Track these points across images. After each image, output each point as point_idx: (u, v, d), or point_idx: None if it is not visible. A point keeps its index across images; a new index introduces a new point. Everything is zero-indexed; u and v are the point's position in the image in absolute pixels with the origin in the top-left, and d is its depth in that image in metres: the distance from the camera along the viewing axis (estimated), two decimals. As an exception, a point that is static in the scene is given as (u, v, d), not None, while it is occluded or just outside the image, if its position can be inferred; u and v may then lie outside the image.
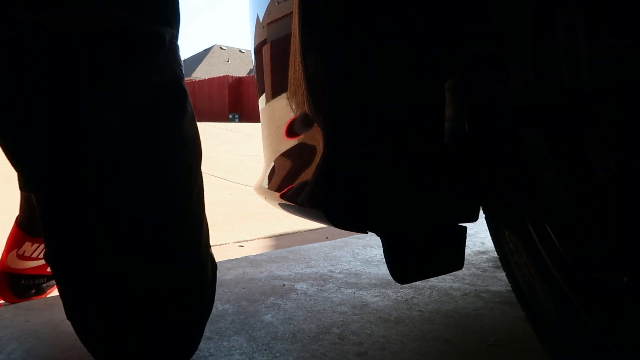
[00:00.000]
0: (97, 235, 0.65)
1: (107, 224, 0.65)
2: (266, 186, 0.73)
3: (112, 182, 0.65)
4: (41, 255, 1.02)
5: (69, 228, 0.66)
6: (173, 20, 0.66)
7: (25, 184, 0.69)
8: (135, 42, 0.60)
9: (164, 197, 0.68)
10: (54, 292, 1.08)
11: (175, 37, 0.66)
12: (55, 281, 0.70)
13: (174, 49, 0.66)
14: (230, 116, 20.37)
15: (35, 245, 1.03)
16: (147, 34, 0.61)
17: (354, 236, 1.59)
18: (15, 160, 0.66)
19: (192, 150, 0.71)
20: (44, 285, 1.07)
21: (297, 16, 0.56)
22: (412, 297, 1.00)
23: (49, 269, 0.76)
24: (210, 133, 7.48)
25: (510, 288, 0.56)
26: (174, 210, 0.69)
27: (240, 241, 1.75)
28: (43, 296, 1.07)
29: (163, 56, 0.63)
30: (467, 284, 1.09)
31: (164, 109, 0.64)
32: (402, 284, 1.09)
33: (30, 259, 1.03)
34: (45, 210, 0.67)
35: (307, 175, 0.60)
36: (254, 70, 0.81)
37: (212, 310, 0.93)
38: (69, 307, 0.71)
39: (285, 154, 0.68)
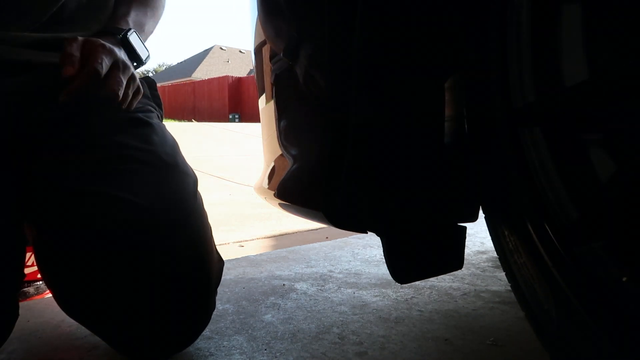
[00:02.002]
0: (107, 230, 0.66)
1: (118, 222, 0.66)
2: (266, 186, 0.73)
3: (123, 179, 0.68)
4: (32, 262, 1.02)
5: (79, 226, 0.66)
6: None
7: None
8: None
9: (172, 195, 0.70)
10: (54, 292, 1.08)
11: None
12: (52, 283, 0.70)
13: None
14: (230, 116, 20.35)
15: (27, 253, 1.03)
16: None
17: (354, 236, 1.59)
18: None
19: (186, 163, 0.79)
20: (43, 285, 1.07)
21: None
22: (412, 297, 1.00)
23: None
24: (210, 133, 7.48)
25: (510, 288, 0.56)
26: (182, 207, 0.70)
27: (240, 241, 1.75)
28: (43, 295, 1.07)
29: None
30: (467, 283, 1.09)
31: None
32: (402, 284, 1.09)
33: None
34: (55, 210, 0.68)
35: (307, 175, 0.60)
36: (254, 70, 0.81)
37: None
38: (72, 304, 0.71)
39: (285, 154, 0.68)
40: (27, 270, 1.04)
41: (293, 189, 0.63)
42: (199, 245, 0.71)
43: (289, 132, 0.66)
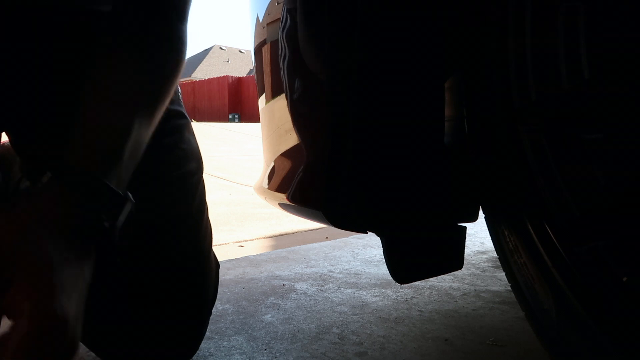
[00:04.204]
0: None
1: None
2: (266, 186, 0.73)
3: None
4: None
5: None
6: None
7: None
8: None
9: (165, 198, 0.69)
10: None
11: None
12: None
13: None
14: (230, 116, 20.35)
15: None
16: None
17: (354, 236, 1.59)
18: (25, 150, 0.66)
19: (193, 158, 0.73)
20: None
21: (298, 16, 0.56)
22: (412, 297, 1.00)
23: None
24: (209, 133, 7.48)
25: (510, 288, 0.56)
26: (176, 210, 0.69)
27: (240, 241, 1.75)
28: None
29: None
30: (467, 284, 1.09)
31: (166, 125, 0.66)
32: (402, 284, 1.09)
33: None
34: None
35: (307, 175, 0.60)
36: (254, 70, 0.81)
37: (212, 310, 0.93)
38: None
39: (285, 154, 0.68)
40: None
41: (293, 188, 0.63)
42: (188, 250, 0.70)
43: (289, 132, 0.66)
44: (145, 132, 0.51)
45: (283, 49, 0.64)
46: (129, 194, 0.46)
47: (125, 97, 0.51)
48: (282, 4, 0.64)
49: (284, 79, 0.64)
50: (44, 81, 0.63)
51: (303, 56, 0.56)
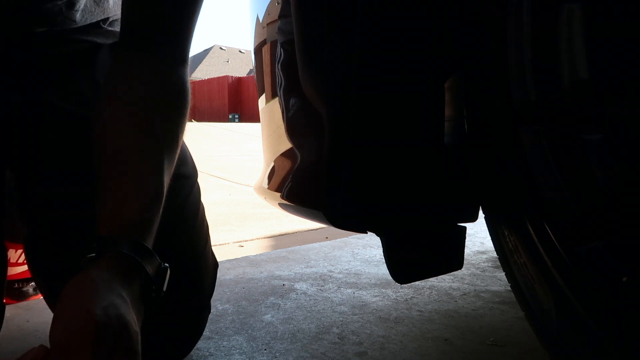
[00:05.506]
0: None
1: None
2: (266, 186, 0.73)
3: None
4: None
5: (65, 228, 0.66)
6: None
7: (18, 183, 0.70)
8: None
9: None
10: (54, 292, 1.08)
11: None
12: (42, 285, 0.70)
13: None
14: (230, 116, 20.34)
15: (20, 251, 1.02)
16: None
17: (354, 236, 1.59)
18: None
19: (187, 162, 0.74)
20: None
21: (296, 17, 0.56)
22: (412, 297, 1.00)
23: None
24: (209, 133, 7.48)
25: (510, 288, 0.56)
26: (169, 210, 0.69)
27: (240, 241, 1.75)
28: (41, 296, 1.07)
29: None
30: (467, 284, 1.09)
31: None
32: (402, 284, 1.09)
33: (17, 264, 1.02)
34: (43, 212, 0.67)
35: (307, 175, 0.60)
36: (254, 70, 0.81)
37: (212, 310, 0.93)
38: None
39: (285, 154, 0.68)
40: (21, 269, 1.03)
41: (293, 188, 0.63)
42: (184, 249, 0.70)
43: (289, 132, 0.66)
44: (167, 185, 0.57)
45: (282, 49, 0.64)
46: (167, 265, 0.53)
47: (152, 153, 0.56)
48: (282, 4, 0.64)
49: (284, 79, 0.64)
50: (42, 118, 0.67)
51: (303, 56, 0.56)
